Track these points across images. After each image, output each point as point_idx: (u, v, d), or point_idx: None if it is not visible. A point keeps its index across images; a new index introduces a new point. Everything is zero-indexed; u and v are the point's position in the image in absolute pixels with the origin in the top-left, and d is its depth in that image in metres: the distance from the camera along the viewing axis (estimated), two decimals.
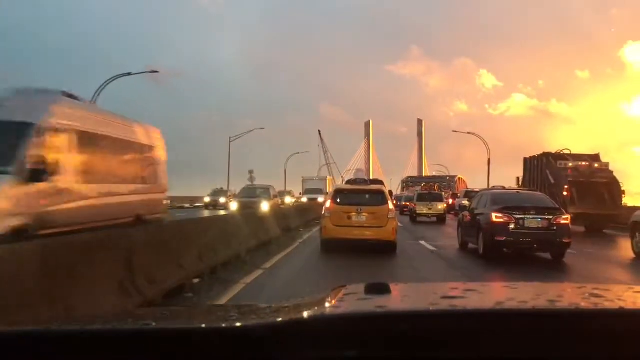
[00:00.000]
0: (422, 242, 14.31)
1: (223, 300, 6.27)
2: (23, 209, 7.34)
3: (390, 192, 13.80)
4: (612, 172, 20.92)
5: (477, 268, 10.09)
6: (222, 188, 41.06)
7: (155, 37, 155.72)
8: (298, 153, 77.29)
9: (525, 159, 24.74)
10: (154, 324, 1.19)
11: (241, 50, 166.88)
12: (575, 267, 10.37)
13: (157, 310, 3.21)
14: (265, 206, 20.99)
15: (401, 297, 1.52)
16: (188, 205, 41.04)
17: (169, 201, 13.38)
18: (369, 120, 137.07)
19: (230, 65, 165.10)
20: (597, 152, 22.31)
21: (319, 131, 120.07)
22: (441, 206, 26.09)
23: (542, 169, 22.32)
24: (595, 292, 1.36)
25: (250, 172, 44.63)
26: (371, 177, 53.48)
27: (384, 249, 11.22)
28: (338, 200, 11.80)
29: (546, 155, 22.52)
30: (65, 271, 4.16)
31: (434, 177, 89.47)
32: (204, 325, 1.24)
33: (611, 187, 20.10)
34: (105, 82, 27.83)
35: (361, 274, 8.59)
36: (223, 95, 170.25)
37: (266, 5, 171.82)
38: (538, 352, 1.02)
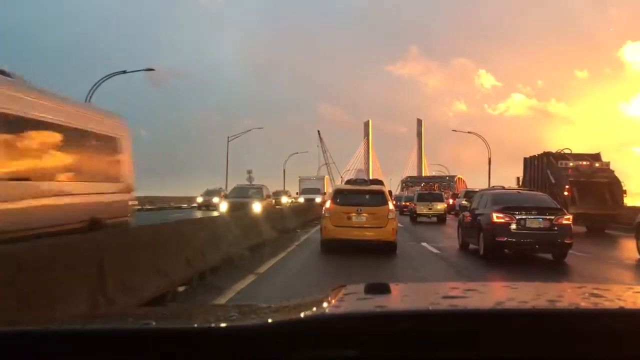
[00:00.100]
0: (424, 244, 13.84)
1: None
2: None
3: (390, 192, 13.72)
4: (613, 171, 20.85)
5: (478, 269, 10.06)
6: (220, 188, 41.01)
7: (155, 37, 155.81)
8: (297, 153, 77.48)
9: (525, 159, 24.68)
10: (154, 323, 1.18)
11: (241, 50, 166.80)
12: (578, 269, 10.23)
13: (157, 310, 3.21)
14: (257, 207, 20.10)
15: (401, 297, 1.52)
16: (186, 205, 40.80)
17: (135, 202, 12.14)
18: (369, 120, 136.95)
19: (230, 65, 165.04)
20: (597, 152, 22.30)
21: (318, 131, 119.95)
22: (441, 206, 26.09)
23: (542, 168, 22.26)
24: (595, 292, 1.37)
25: (249, 172, 44.56)
26: (371, 177, 53.37)
27: (384, 250, 11.20)
28: (338, 200, 11.79)
29: (547, 154, 22.45)
30: (24, 281, 3.73)
31: (433, 177, 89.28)
32: (204, 325, 1.24)
33: (612, 187, 20.05)
34: (100, 79, 27.59)
35: (361, 274, 8.57)
36: (223, 95, 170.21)
37: (266, 5, 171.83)
38: (538, 352, 1.02)
